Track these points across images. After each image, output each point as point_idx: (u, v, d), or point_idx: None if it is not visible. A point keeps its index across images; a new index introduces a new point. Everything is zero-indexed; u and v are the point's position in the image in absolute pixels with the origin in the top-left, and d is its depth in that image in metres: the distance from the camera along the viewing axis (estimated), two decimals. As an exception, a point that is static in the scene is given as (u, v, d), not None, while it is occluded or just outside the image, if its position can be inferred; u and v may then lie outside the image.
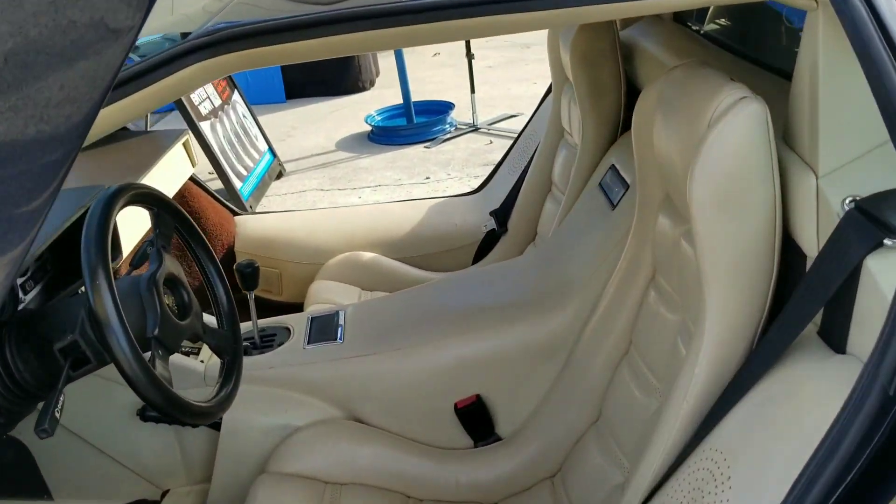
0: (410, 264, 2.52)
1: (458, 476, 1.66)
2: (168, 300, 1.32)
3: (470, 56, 5.26)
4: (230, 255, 2.60)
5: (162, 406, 1.20)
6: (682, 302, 1.31)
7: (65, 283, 1.62)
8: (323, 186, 4.62)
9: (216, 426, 1.73)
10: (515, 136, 2.68)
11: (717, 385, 1.09)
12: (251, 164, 4.43)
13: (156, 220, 1.38)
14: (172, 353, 1.28)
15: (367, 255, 2.47)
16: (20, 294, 1.50)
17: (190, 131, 3.71)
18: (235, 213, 2.71)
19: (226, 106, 4.46)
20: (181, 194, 2.52)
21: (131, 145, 2.31)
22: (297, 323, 1.88)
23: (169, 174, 2.24)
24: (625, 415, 1.47)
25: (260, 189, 4.40)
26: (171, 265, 1.35)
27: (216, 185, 4.20)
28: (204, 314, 1.59)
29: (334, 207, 3.15)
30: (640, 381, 1.44)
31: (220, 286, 1.51)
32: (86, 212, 1.32)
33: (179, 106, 3.95)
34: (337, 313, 1.88)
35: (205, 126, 4.05)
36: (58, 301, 1.47)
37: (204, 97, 4.21)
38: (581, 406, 1.61)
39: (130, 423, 1.75)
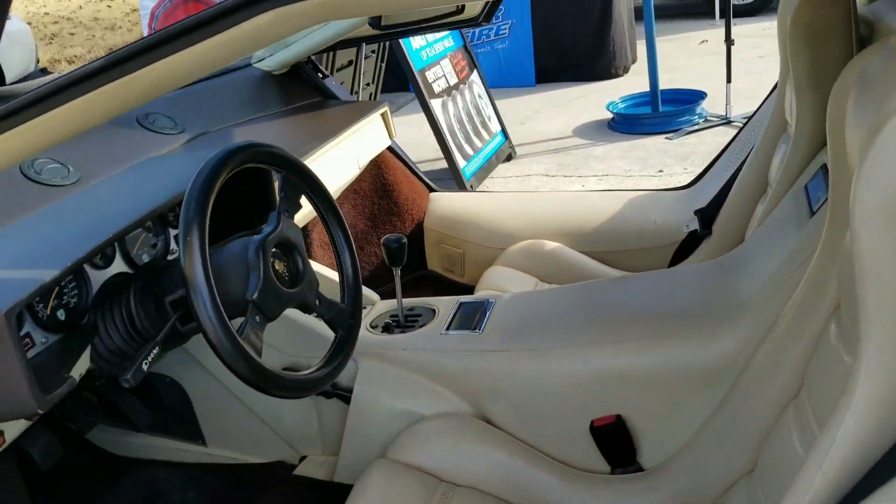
0: (598, 259, 2.31)
1: (586, 502, 1.47)
2: (279, 266, 1.28)
3: (729, 42, 4.79)
4: (419, 230, 2.58)
5: (246, 376, 1.16)
6: None
7: (218, 238, 1.67)
8: (549, 172, 4.48)
9: (347, 400, 1.69)
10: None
11: (864, 457, 0.81)
12: (479, 145, 4.41)
13: (282, 182, 1.35)
14: (270, 319, 1.24)
15: (551, 245, 2.31)
16: (172, 245, 1.57)
17: (419, 106, 3.75)
18: (432, 189, 2.67)
19: (461, 85, 4.47)
20: (377, 164, 2.53)
21: (330, 113, 2.35)
22: (444, 306, 1.78)
23: (361, 143, 2.25)
24: (781, 471, 1.19)
25: (485, 170, 4.37)
26: (289, 230, 1.31)
27: (443, 164, 4.24)
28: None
29: (527, 192, 3.01)
30: (804, 434, 1.15)
31: (348, 257, 1.45)
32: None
33: (413, 81, 4.03)
34: (487, 302, 1.76)
35: (436, 103, 4.09)
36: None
37: (440, 75, 4.26)
38: (737, 449, 1.33)
39: None
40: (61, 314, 1.30)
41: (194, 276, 1.11)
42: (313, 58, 2.63)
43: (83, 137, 1.90)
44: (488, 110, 4.70)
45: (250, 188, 1.61)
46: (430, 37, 4.25)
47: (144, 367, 1.19)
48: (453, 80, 4.39)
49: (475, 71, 4.71)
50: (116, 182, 1.65)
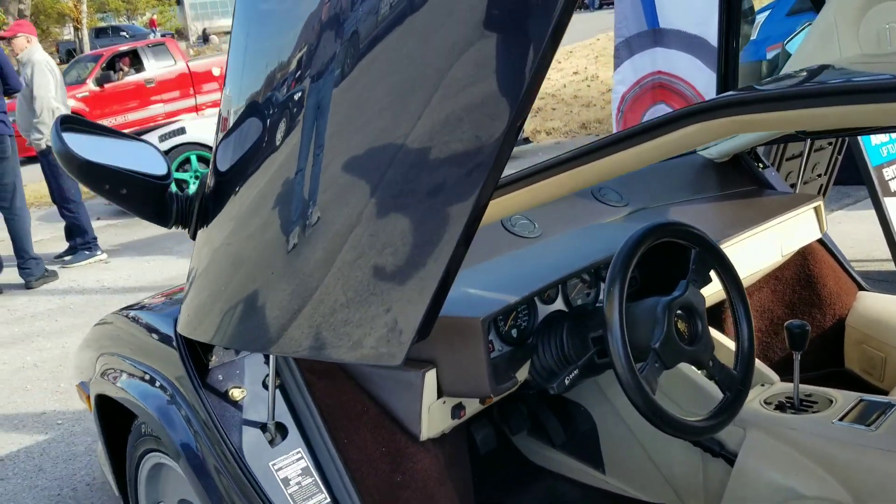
0: None
1: None
2: (681, 325, 1.54)
3: None
4: (840, 326, 2.57)
5: (641, 407, 1.44)
6: None
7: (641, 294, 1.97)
8: None
9: (731, 463, 1.85)
10: None
11: None
12: (940, 250, 4.02)
13: (695, 257, 1.61)
14: (667, 367, 1.50)
15: None
16: (601, 295, 1.92)
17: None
18: (862, 288, 2.64)
19: (930, 184, 4.14)
20: (804, 255, 2.60)
21: (762, 202, 2.52)
22: (843, 399, 1.83)
23: (787, 233, 2.37)
24: None
25: (946, 279, 3.97)
26: (694, 297, 1.56)
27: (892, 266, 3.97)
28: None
29: None
30: None
31: (746, 330, 1.64)
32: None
33: (866, 177, 3.89)
34: (891, 404, 1.76)
35: (890, 202, 3.88)
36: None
37: (900, 172, 4.02)
38: None
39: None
40: (514, 332, 1.73)
41: (612, 320, 1.43)
42: (757, 148, 2.82)
43: (549, 203, 2.40)
44: (958, 214, 4.25)
45: (676, 258, 1.89)
46: None
47: (566, 382, 1.55)
48: (919, 179, 4.10)
49: (949, 170, 4.31)
50: (567, 240, 2.08)
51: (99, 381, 1.93)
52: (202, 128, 8.82)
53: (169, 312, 1.73)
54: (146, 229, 8.00)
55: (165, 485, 1.98)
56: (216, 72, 16.57)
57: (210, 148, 8.74)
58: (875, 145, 3.98)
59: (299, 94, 1.19)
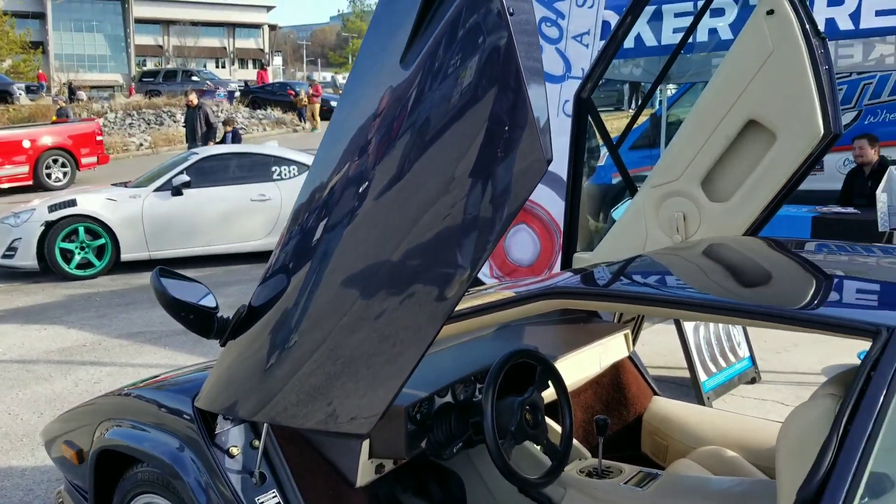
0: (768, 474, 3.08)
1: None
2: (528, 417, 2.42)
3: None
4: (639, 420, 3.55)
5: (501, 468, 2.29)
6: None
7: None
8: (785, 401, 5.11)
9: (556, 512, 2.71)
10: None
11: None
12: (724, 365, 5.21)
13: (539, 372, 2.51)
14: (518, 443, 2.36)
15: (730, 454, 3.14)
16: (477, 392, 2.78)
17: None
18: (655, 393, 3.64)
19: (717, 313, 5.37)
20: (616, 367, 3.58)
21: (589, 327, 3.49)
22: (629, 470, 2.75)
23: (605, 351, 3.34)
24: None
25: (725, 387, 5.14)
26: (537, 399, 2.45)
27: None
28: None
29: (724, 410, 3.81)
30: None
31: (568, 422, 2.54)
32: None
33: (672, 306, 5.04)
34: (658, 474, 2.70)
35: (688, 325, 5.04)
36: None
37: (697, 303, 5.22)
38: None
39: (519, 493, 2.85)
40: (418, 416, 2.54)
41: (486, 412, 2.28)
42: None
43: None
44: (739, 338, 5.49)
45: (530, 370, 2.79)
46: (694, 273, 5.28)
47: (454, 451, 2.38)
48: (710, 309, 5.31)
49: (734, 303, 5.57)
50: (456, 350, 2.94)
51: (101, 440, 2.56)
52: (93, 201, 9.16)
53: (179, 390, 2.43)
54: (27, 296, 8.20)
55: (148, 520, 2.61)
56: (26, 144, 15.11)
57: (97, 220, 9.08)
58: (679, 281, 5.15)
59: (306, 259, 1.98)
